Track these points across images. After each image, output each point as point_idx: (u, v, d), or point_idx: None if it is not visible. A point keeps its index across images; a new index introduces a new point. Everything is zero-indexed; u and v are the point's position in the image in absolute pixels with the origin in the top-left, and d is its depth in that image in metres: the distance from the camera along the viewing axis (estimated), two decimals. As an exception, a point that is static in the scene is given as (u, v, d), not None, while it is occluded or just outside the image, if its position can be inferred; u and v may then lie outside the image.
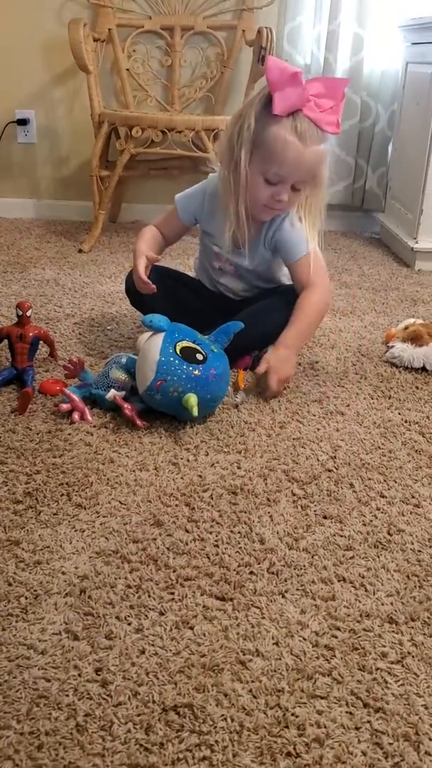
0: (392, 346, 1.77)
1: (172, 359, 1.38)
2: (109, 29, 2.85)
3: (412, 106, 2.72)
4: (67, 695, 0.83)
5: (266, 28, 2.59)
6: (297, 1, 2.85)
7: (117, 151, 2.67)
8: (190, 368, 1.38)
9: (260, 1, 2.86)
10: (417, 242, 2.59)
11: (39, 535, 1.09)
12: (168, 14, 2.90)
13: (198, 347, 1.43)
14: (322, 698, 0.84)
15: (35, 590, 0.98)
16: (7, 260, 2.50)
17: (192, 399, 1.35)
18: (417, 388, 1.64)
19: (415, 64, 2.71)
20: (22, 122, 3.04)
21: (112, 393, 1.41)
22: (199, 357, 1.41)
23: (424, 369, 1.71)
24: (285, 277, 1.73)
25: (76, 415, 1.41)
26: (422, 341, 1.73)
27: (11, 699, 0.82)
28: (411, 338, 1.75)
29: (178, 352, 1.39)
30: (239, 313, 1.66)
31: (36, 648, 0.89)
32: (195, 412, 1.35)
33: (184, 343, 1.42)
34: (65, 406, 1.42)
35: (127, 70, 2.93)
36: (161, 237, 1.74)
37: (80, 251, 2.66)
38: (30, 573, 1.01)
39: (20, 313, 1.56)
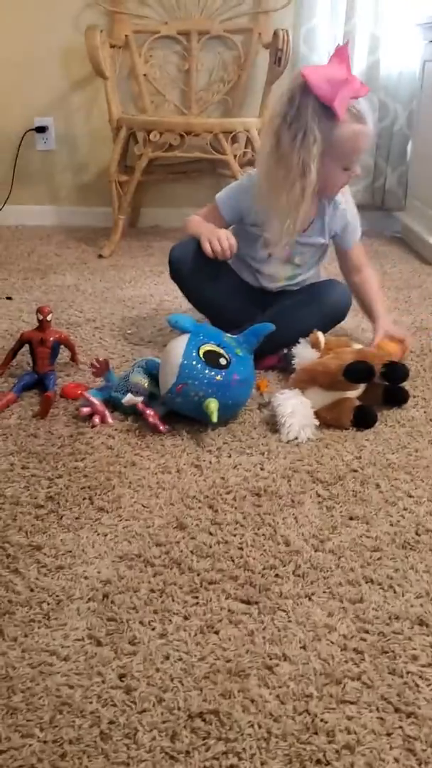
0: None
1: (194, 363, 1.36)
2: (126, 35, 2.85)
3: (430, 105, 2.69)
4: (91, 702, 0.81)
5: (282, 30, 2.57)
6: (313, 3, 2.83)
7: (135, 156, 2.67)
8: (213, 373, 1.36)
9: (276, 4, 2.85)
10: (439, 240, 2.56)
11: (61, 540, 1.08)
12: (184, 19, 2.89)
13: (222, 351, 1.41)
14: (351, 703, 0.81)
15: (58, 596, 0.97)
16: (28, 267, 2.50)
17: (212, 404, 1.34)
18: (443, 386, 1.61)
19: (433, 62, 2.68)
20: (41, 130, 3.05)
21: (128, 398, 1.40)
22: (223, 362, 1.39)
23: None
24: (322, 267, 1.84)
25: (96, 419, 1.40)
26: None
27: (34, 706, 0.80)
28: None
29: (201, 356, 1.38)
30: (270, 308, 1.68)
31: (59, 654, 0.87)
32: (214, 418, 1.33)
33: (208, 347, 1.40)
34: (85, 410, 1.41)
35: (144, 75, 2.93)
36: None
37: (100, 257, 2.66)
38: (52, 578, 1.00)
39: (41, 317, 1.55)
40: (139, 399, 1.40)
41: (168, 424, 1.40)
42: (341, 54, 1.50)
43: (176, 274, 1.74)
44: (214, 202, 1.73)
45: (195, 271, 1.68)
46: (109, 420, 1.41)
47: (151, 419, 1.37)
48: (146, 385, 1.44)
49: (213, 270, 1.67)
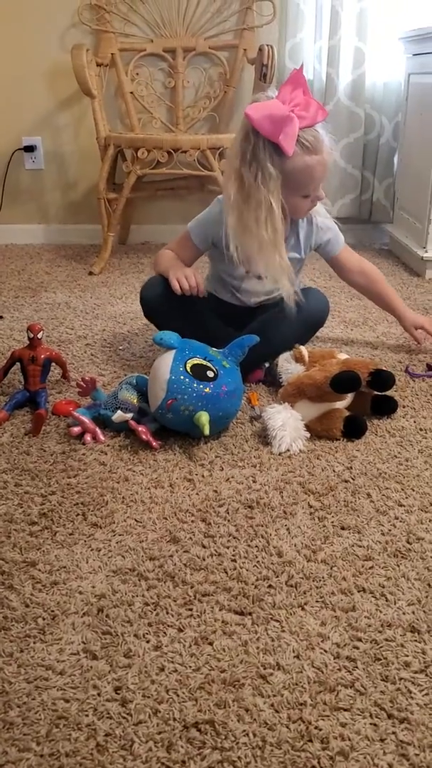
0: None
1: (182, 377, 1.38)
2: (112, 54, 2.88)
3: (416, 117, 2.72)
4: (87, 715, 0.82)
5: (267, 45, 2.61)
6: (297, 18, 2.87)
7: (124, 174, 2.69)
8: (201, 386, 1.38)
9: (260, 20, 2.89)
10: (427, 251, 2.58)
11: (55, 556, 1.09)
12: (169, 36, 2.93)
13: (209, 364, 1.42)
14: (345, 710, 0.82)
15: (53, 611, 0.98)
16: (19, 285, 2.52)
17: (203, 417, 1.35)
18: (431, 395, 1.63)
19: (417, 75, 2.71)
20: (29, 149, 3.07)
21: (118, 415, 1.41)
22: (210, 374, 1.40)
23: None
24: (303, 276, 1.85)
25: (88, 437, 1.41)
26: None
27: (30, 720, 0.81)
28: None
29: (189, 370, 1.39)
30: (251, 323, 1.68)
31: (54, 669, 0.88)
32: (206, 431, 1.34)
33: (195, 361, 1.42)
34: (76, 429, 1.42)
35: (131, 93, 2.95)
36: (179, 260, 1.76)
37: (90, 274, 2.67)
38: (47, 594, 1.01)
39: (31, 335, 1.57)
40: (129, 416, 1.41)
41: (160, 439, 1.41)
42: (295, 80, 1.49)
43: (150, 314, 1.78)
44: (185, 230, 1.74)
45: (167, 309, 1.69)
46: (101, 437, 1.42)
47: (143, 436, 1.38)
48: (135, 401, 1.45)
49: (185, 302, 1.67)
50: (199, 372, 1.40)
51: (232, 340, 1.54)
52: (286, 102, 1.47)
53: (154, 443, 1.39)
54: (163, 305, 1.70)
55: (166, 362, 1.40)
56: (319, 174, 1.55)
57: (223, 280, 1.76)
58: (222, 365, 1.45)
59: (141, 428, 1.39)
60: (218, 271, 1.75)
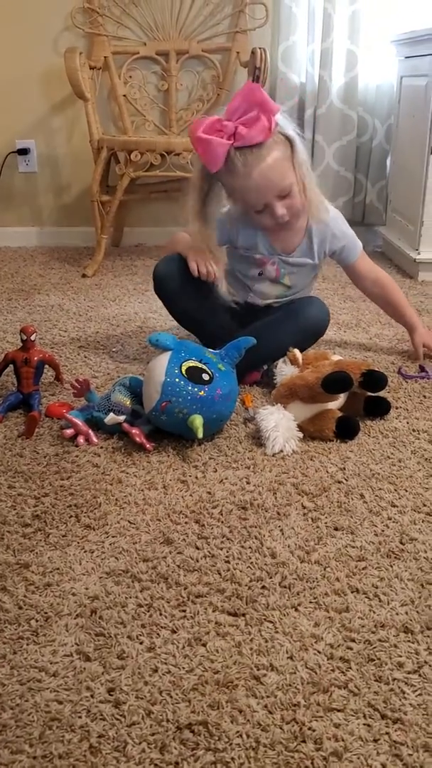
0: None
1: (177, 380, 1.37)
2: (105, 57, 2.89)
3: (408, 119, 2.73)
4: (80, 717, 0.82)
5: (260, 48, 2.61)
6: (290, 21, 2.88)
7: (117, 176, 2.69)
8: (196, 389, 1.38)
9: (253, 23, 2.90)
10: (419, 253, 2.59)
11: (48, 558, 1.09)
12: (162, 40, 2.93)
13: (204, 366, 1.42)
14: (338, 711, 0.82)
15: (46, 612, 0.97)
16: (12, 288, 2.51)
17: (197, 420, 1.35)
18: (425, 397, 1.63)
19: (409, 78, 2.72)
20: (23, 152, 3.07)
21: (110, 417, 1.41)
22: (205, 377, 1.40)
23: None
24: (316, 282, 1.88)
25: (81, 439, 1.41)
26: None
27: (23, 722, 0.81)
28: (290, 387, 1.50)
29: (184, 373, 1.39)
30: (253, 324, 1.70)
31: (47, 670, 0.88)
32: (200, 434, 1.34)
33: (190, 363, 1.41)
34: (69, 432, 1.42)
35: (124, 96, 2.96)
36: None
37: (84, 276, 2.67)
38: (40, 595, 1.01)
39: (24, 337, 1.56)
40: (122, 418, 1.41)
41: (154, 440, 1.41)
42: (244, 95, 1.47)
43: (161, 291, 1.76)
44: None
45: (180, 287, 1.69)
46: (94, 439, 1.42)
47: (137, 438, 1.38)
48: (128, 403, 1.45)
49: (198, 287, 1.68)
50: (194, 374, 1.40)
51: (233, 333, 1.54)
52: (232, 118, 1.47)
53: (147, 445, 1.38)
54: (177, 284, 1.70)
55: (161, 364, 1.40)
56: (249, 196, 1.55)
57: (237, 278, 1.76)
58: (217, 368, 1.45)
59: (135, 430, 1.38)
60: (233, 269, 1.75)
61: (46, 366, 1.62)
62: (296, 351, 1.57)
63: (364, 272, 1.83)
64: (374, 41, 2.90)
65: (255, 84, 1.48)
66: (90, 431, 1.42)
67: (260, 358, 1.64)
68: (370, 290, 1.86)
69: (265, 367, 1.68)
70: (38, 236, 3.20)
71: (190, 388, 1.37)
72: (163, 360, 1.41)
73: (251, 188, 1.53)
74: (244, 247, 1.70)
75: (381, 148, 3.02)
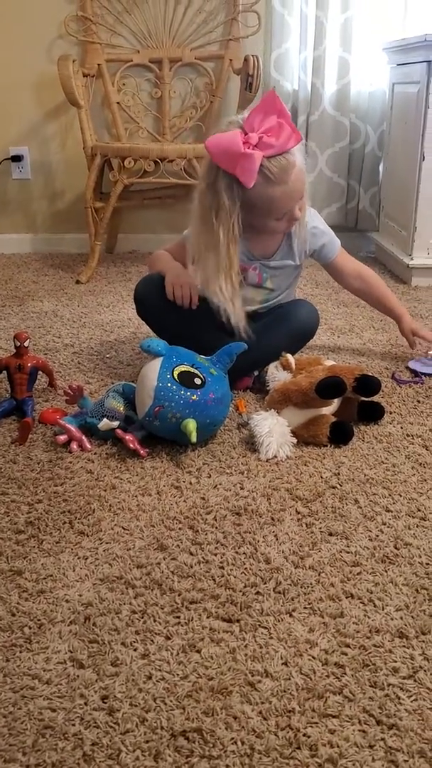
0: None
1: (169, 385, 1.37)
2: (99, 64, 2.89)
3: (400, 126, 2.74)
4: (74, 725, 0.81)
5: (253, 56, 2.62)
6: (282, 29, 2.89)
7: (111, 183, 2.69)
8: (188, 393, 1.38)
9: (246, 31, 2.90)
10: (412, 259, 2.59)
11: (42, 564, 1.08)
12: (156, 47, 2.94)
13: (196, 371, 1.42)
14: (333, 717, 0.82)
15: (39, 619, 0.97)
16: (6, 294, 2.51)
17: (190, 425, 1.34)
18: (418, 402, 1.63)
19: (401, 85, 2.74)
20: (17, 159, 3.07)
21: (104, 423, 1.40)
22: (198, 381, 1.40)
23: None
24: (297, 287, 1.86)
25: (74, 445, 1.41)
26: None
27: (16, 731, 0.80)
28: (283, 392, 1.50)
29: (176, 377, 1.39)
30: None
31: (41, 678, 0.87)
32: (193, 438, 1.34)
33: (182, 368, 1.41)
34: (62, 438, 1.41)
35: (118, 103, 2.96)
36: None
37: (78, 282, 2.67)
38: (33, 602, 1.00)
39: (18, 343, 1.56)
40: (116, 424, 1.40)
41: (147, 446, 1.41)
42: (266, 105, 1.46)
43: (142, 312, 1.77)
44: (181, 236, 1.74)
45: (160, 307, 1.69)
46: (87, 445, 1.41)
47: (131, 444, 1.38)
48: (122, 409, 1.45)
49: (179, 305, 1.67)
50: (186, 379, 1.39)
51: (222, 343, 1.54)
52: (255, 128, 1.45)
53: (141, 451, 1.38)
54: (157, 303, 1.69)
55: (153, 369, 1.40)
56: (284, 203, 1.53)
57: None
58: (209, 372, 1.44)
59: (128, 437, 1.38)
60: None
61: (40, 372, 1.62)
62: (289, 356, 1.57)
63: (346, 268, 1.83)
64: (366, 48, 2.91)
65: (274, 93, 1.47)
66: (83, 437, 1.42)
67: (251, 362, 1.63)
68: (354, 285, 1.86)
69: (257, 372, 1.68)
70: (32, 243, 3.20)
71: (182, 392, 1.37)
72: (155, 365, 1.41)
73: (285, 194, 1.51)
74: None
75: (373, 154, 3.02)
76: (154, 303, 1.71)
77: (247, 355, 1.53)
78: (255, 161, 1.44)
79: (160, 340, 1.45)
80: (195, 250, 1.57)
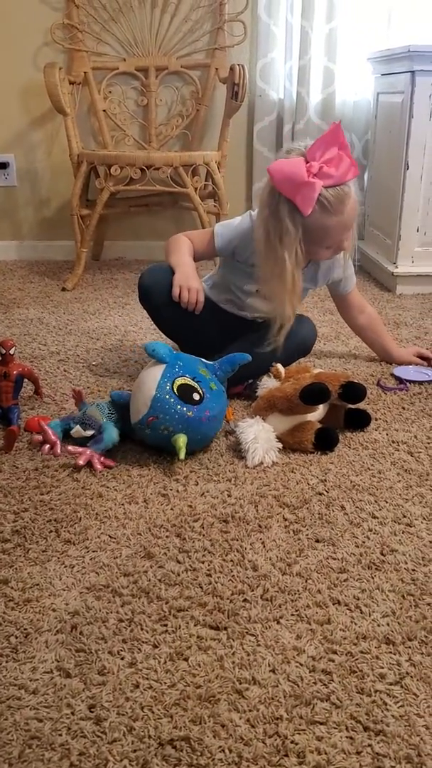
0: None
1: (167, 397, 1.37)
2: (85, 72, 2.90)
3: (384, 135, 2.76)
4: (61, 735, 0.81)
5: (238, 65, 2.64)
6: (268, 39, 2.91)
7: (97, 190, 2.69)
8: (185, 408, 1.37)
9: (232, 40, 2.92)
10: (397, 267, 2.61)
11: (28, 573, 1.08)
12: (142, 56, 2.95)
13: (196, 385, 1.41)
14: (321, 724, 0.82)
15: (25, 629, 0.96)
16: (-9, 302, 2.50)
17: (180, 440, 1.34)
18: (403, 408, 1.64)
19: (385, 94, 2.76)
20: (2, 166, 3.07)
21: (75, 429, 1.42)
22: (196, 397, 1.39)
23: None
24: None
25: (45, 447, 1.41)
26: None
27: (2, 741, 0.80)
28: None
29: (175, 390, 1.38)
30: (241, 337, 1.70)
31: (27, 688, 0.87)
32: (182, 454, 1.34)
33: (183, 380, 1.40)
34: (37, 438, 1.42)
35: (104, 111, 2.97)
36: (192, 254, 1.74)
37: (64, 290, 2.67)
38: (20, 612, 1.00)
39: (3, 351, 1.55)
40: (89, 432, 1.41)
41: (135, 453, 1.40)
42: (330, 136, 1.48)
43: (146, 301, 1.75)
44: (212, 228, 1.73)
45: (164, 300, 1.67)
46: (58, 450, 1.41)
47: (81, 461, 1.35)
48: (101, 419, 1.43)
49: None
50: (185, 393, 1.38)
51: (222, 343, 1.53)
52: (316, 158, 1.47)
53: (98, 465, 1.36)
54: (163, 297, 1.67)
55: (153, 377, 1.39)
56: (337, 233, 1.55)
57: (231, 290, 1.75)
58: (209, 387, 1.43)
59: (82, 458, 1.35)
60: (227, 281, 1.75)
61: (26, 380, 1.61)
62: (279, 365, 1.57)
63: (355, 303, 1.87)
64: (351, 58, 2.93)
65: (339, 125, 1.48)
66: (57, 441, 1.42)
67: (248, 373, 1.63)
68: (358, 320, 1.90)
69: (250, 381, 1.68)
70: (18, 250, 3.19)
71: (179, 407, 1.36)
72: (155, 373, 1.40)
73: (340, 224, 1.54)
74: (246, 262, 1.68)
75: (358, 163, 3.03)
76: (158, 295, 1.69)
77: (247, 365, 1.54)
78: (316, 190, 1.46)
79: (166, 345, 1.44)
80: (262, 273, 1.60)
